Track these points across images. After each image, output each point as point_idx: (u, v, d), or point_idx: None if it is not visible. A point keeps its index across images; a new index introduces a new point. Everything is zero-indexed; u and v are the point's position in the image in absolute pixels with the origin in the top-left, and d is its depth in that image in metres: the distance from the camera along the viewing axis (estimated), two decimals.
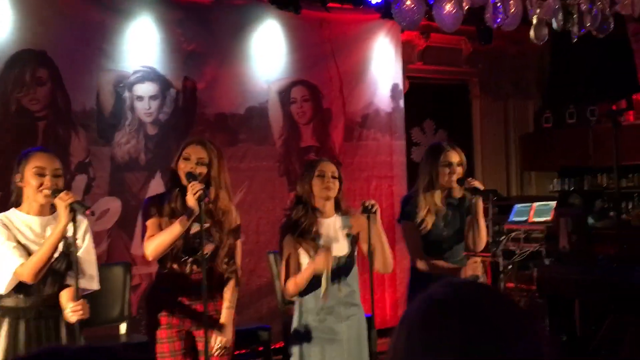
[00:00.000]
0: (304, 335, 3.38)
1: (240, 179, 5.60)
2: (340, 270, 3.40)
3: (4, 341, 2.81)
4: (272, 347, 4.92)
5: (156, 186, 5.10)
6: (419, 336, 0.93)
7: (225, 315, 3.27)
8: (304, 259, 3.37)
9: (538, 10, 3.88)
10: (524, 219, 5.96)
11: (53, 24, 4.85)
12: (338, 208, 3.48)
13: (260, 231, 5.72)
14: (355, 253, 3.48)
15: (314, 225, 3.40)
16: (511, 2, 3.76)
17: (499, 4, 3.71)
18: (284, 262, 3.40)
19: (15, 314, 2.83)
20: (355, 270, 3.47)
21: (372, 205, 3.31)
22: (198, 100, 5.50)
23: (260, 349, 4.97)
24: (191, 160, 3.21)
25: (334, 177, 3.43)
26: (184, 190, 3.16)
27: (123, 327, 3.65)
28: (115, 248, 5.08)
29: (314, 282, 3.34)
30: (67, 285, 2.88)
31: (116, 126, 5.15)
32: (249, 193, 5.69)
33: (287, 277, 3.38)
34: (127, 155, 5.18)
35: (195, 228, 3.12)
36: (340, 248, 3.42)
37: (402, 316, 0.98)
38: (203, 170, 3.20)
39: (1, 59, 4.66)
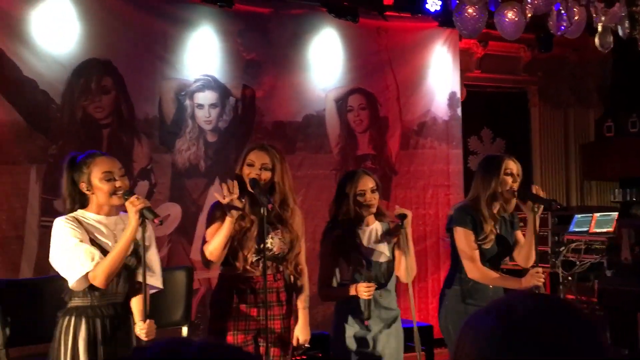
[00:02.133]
0: (344, 338, 3.47)
1: (297, 187, 5.59)
2: (382, 276, 3.48)
3: (85, 341, 2.88)
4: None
5: (215, 192, 5.17)
6: (496, 351, 0.90)
7: (303, 315, 3.35)
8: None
9: (603, 18, 3.81)
10: (584, 229, 5.85)
11: (118, 34, 4.98)
12: (378, 214, 3.57)
13: (317, 239, 5.68)
14: (395, 260, 3.54)
15: (357, 237, 3.49)
16: (575, 9, 3.70)
17: (563, 12, 3.66)
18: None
19: (93, 313, 2.91)
20: (394, 275, 3.55)
21: (406, 214, 3.39)
22: (256, 108, 5.57)
23: (320, 355, 4.98)
24: (255, 166, 3.25)
25: (373, 192, 3.49)
26: (250, 195, 3.22)
27: (184, 331, 3.72)
28: (175, 253, 5.18)
29: (356, 304, 3.40)
30: (139, 283, 2.95)
31: (177, 134, 5.25)
32: (305, 201, 5.72)
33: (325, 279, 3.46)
34: (187, 162, 5.28)
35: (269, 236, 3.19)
36: (381, 254, 3.52)
37: (467, 327, 0.94)
38: (267, 175, 3.25)
39: (68, 68, 4.81)
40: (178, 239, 5.21)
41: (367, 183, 3.49)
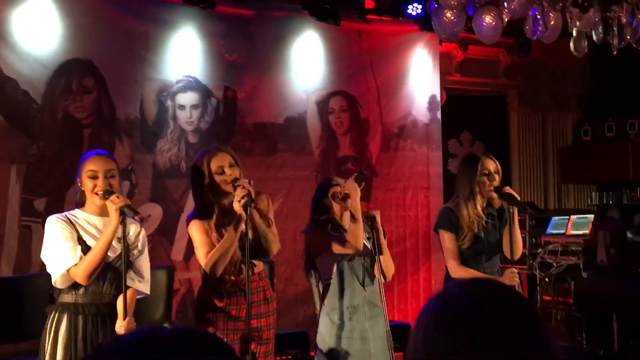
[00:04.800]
0: (330, 334, 3.48)
1: (279, 188, 5.67)
2: (364, 272, 3.52)
3: (64, 337, 2.92)
4: (311, 354, 4.97)
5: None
6: (434, 332, 0.98)
7: None
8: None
9: (578, 23, 3.89)
10: (561, 231, 5.94)
11: (99, 35, 4.99)
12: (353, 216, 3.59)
13: (297, 240, 5.75)
14: (384, 246, 3.59)
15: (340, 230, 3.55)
16: (551, 14, 3.77)
17: (538, 17, 3.73)
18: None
19: (75, 311, 2.94)
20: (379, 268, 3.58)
21: (374, 215, 3.46)
22: (238, 109, 5.60)
23: (299, 354, 5.02)
24: (224, 169, 3.25)
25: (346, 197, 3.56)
26: (222, 198, 3.23)
27: None
28: (156, 253, 5.18)
29: (341, 280, 3.43)
30: (125, 283, 2.98)
31: (158, 134, 5.27)
32: (286, 202, 5.76)
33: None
34: (168, 162, 5.30)
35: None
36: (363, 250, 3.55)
37: (419, 313, 1.03)
38: (237, 172, 3.26)
39: (49, 68, 4.81)
40: (159, 239, 5.22)
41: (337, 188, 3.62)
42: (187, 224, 3.30)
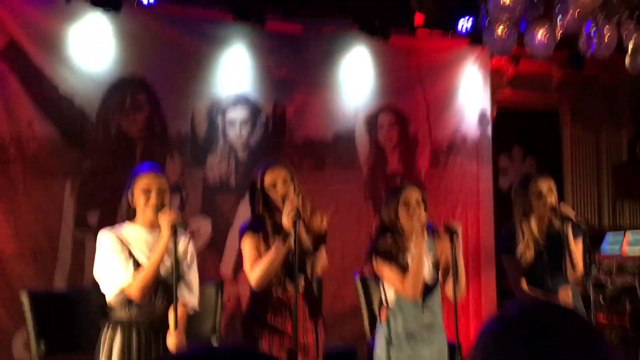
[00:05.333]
0: (386, 356, 3.41)
1: (326, 203, 5.67)
2: (424, 295, 3.42)
3: (118, 352, 2.96)
4: None
5: (245, 208, 5.23)
6: (493, 354, 0.97)
7: None
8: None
9: (634, 38, 3.80)
10: (616, 250, 5.78)
11: (152, 52, 5.09)
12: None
13: (346, 254, 5.76)
14: (439, 277, 3.48)
15: (402, 253, 3.42)
16: (605, 29, 3.70)
17: (593, 32, 3.66)
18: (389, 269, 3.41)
19: (129, 326, 2.98)
20: (438, 294, 3.47)
21: (456, 229, 3.32)
22: (287, 125, 5.63)
23: None
24: (278, 184, 3.27)
25: (419, 204, 3.43)
26: (275, 213, 3.25)
27: (213, 342, 3.76)
28: (205, 267, 5.23)
29: (400, 307, 3.37)
30: (176, 296, 3.01)
31: (209, 150, 5.33)
32: (334, 216, 5.74)
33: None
34: (218, 177, 5.35)
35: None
36: (425, 272, 3.43)
37: (477, 336, 1.03)
38: (290, 189, 3.27)
39: (104, 84, 4.92)
40: (208, 253, 5.26)
41: (414, 194, 3.42)
42: (240, 235, 3.33)
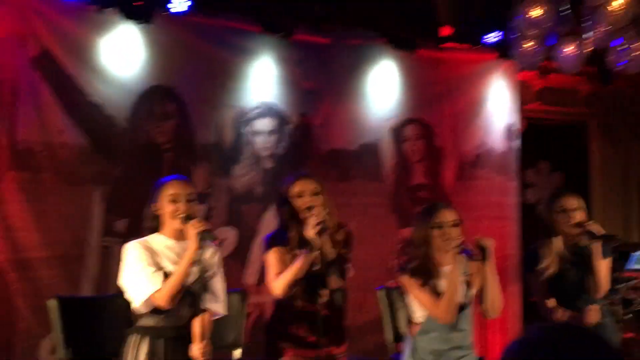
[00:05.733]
0: None
1: (351, 215, 5.66)
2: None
3: (145, 359, 2.98)
4: None
5: (271, 218, 5.26)
6: None
7: None
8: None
9: None
10: None
11: (182, 62, 5.14)
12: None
13: (369, 267, 5.74)
14: (471, 296, 3.44)
15: (434, 278, 3.38)
16: (634, 45, 3.68)
17: (622, 47, 3.64)
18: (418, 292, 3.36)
19: (156, 333, 3.01)
20: (469, 313, 3.44)
21: (487, 246, 3.28)
22: (313, 136, 5.65)
23: None
24: (304, 195, 3.28)
25: (455, 225, 3.36)
26: (301, 224, 3.26)
27: (238, 353, 3.78)
28: (230, 277, 5.23)
29: (431, 326, 3.34)
30: (203, 309, 3.03)
31: (235, 159, 5.36)
32: (358, 228, 5.73)
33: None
34: (244, 187, 5.38)
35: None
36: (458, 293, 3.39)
37: (502, 356, 1.05)
38: (317, 201, 3.28)
39: (134, 93, 4.98)
40: (233, 262, 5.29)
41: (449, 215, 3.36)
42: (265, 246, 3.34)
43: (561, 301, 3.64)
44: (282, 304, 3.30)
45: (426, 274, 3.36)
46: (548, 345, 0.99)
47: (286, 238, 3.29)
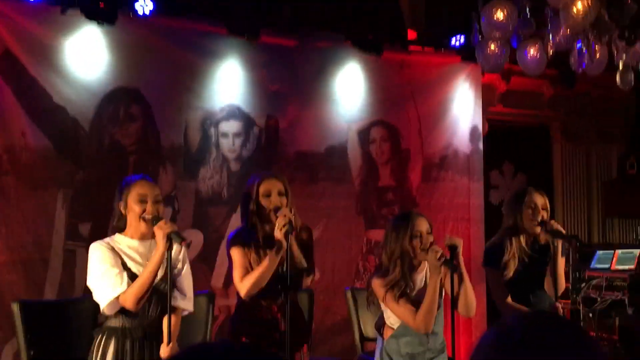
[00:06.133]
0: None
1: (318, 217, 5.69)
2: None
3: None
4: None
5: (237, 220, 5.23)
6: None
7: None
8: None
9: (624, 56, 3.85)
10: (606, 266, 5.82)
11: (146, 64, 5.10)
12: None
13: (336, 269, 5.77)
14: (442, 298, 3.45)
15: (410, 284, 3.38)
16: (597, 47, 3.75)
17: (584, 49, 3.71)
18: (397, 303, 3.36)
19: (123, 334, 2.98)
20: (441, 315, 3.45)
21: (457, 245, 3.30)
22: (280, 138, 5.65)
23: None
24: (272, 194, 3.27)
25: (429, 233, 3.36)
26: (267, 223, 3.25)
27: None
28: (196, 279, 5.20)
29: (406, 331, 3.35)
30: (171, 307, 3.00)
31: (201, 162, 5.34)
32: (326, 231, 5.77)
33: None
34: (210, 190, 5.35)
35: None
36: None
37: (476, 347, 1.06)
38: (284, 201, 3.27)
39: (98, 95, 4.93)
40: (199, 265, 5.25)
41: (424, 224, 3.36)
42: (229, 244, 3.32)
43: (518, 298, 3.66)
44: (246, 304, 3.29)
45: (404, 285, 3.34)
46: (524, 330, 1.02)
47: (251, 236, 3.28)
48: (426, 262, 3.37)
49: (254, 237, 3.28)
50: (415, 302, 3.33)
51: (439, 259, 3.20)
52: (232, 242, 3.30)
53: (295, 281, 3.29)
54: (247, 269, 3.22)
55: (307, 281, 3.39)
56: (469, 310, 3.37)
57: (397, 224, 3.43)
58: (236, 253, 3.26)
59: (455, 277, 3.25)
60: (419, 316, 3.27)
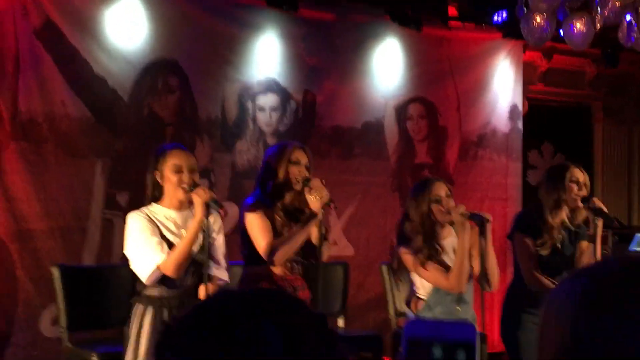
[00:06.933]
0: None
1: (354, 193, 5.66)
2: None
3: (148, 329, 2.98)
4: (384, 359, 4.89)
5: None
6: (589, 312, 0.81)
7: None
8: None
9: None
10: None
11: (185, 35, 5.10)
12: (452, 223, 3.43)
13: (371, 245, 5.75)
14: (472, 268, 3.44)
15: (437, 249, 3.38)
16: None
17: (634, 23, 3.61)
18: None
19: (160, 303, 3.00)
20: (471, 286, 3.44)
21: (487, 219, 3.28)
22: (317, 113, 5.62)
23: (371, 355, 4.95)
24: (301, 164, 3.23)
25: (449, 197, 3.38)
26: (289, 191, 3.21)
27: None
28: (231, 251, 5.23)
29: (438, 300, 3.34)
30: (207, 275, 3.01)
31: (238, 135, 5.34)
32: (361, 207, 5.74)
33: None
34: (246, 163, 5.36)
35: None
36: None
37: (552, 301, 0.86)
38: (308, 174, 3.23)
39: (137, 66, 4.95)
40: (234, 237, 5.26)
41: (443, 188, 3.37)
42: (248, 208, 3.22)
43: (550, 275, 3.58)
44: (257, 272, 3.21)
45: (430, 249, 3.35)
46: (629, 273, 0.83)
47: (271, 203, 3.21)
48: (451, 226, 3.35)
49: (274, 204, 3.22)
50: (444, 266, 3.32)
51: (463, 214, 3.20)
52: (252, 208, 3.22)
53: (320, 252, 3.26)
54: (268, 235, 3.16)
55: (325, 256, 3.35)
56: (493, 282, 3.36)
57: (416, 191, 3.46)
58: (258, 218, 3.17)
59: (480, 245, 3.23)
60: (452, 275, 3.29)
